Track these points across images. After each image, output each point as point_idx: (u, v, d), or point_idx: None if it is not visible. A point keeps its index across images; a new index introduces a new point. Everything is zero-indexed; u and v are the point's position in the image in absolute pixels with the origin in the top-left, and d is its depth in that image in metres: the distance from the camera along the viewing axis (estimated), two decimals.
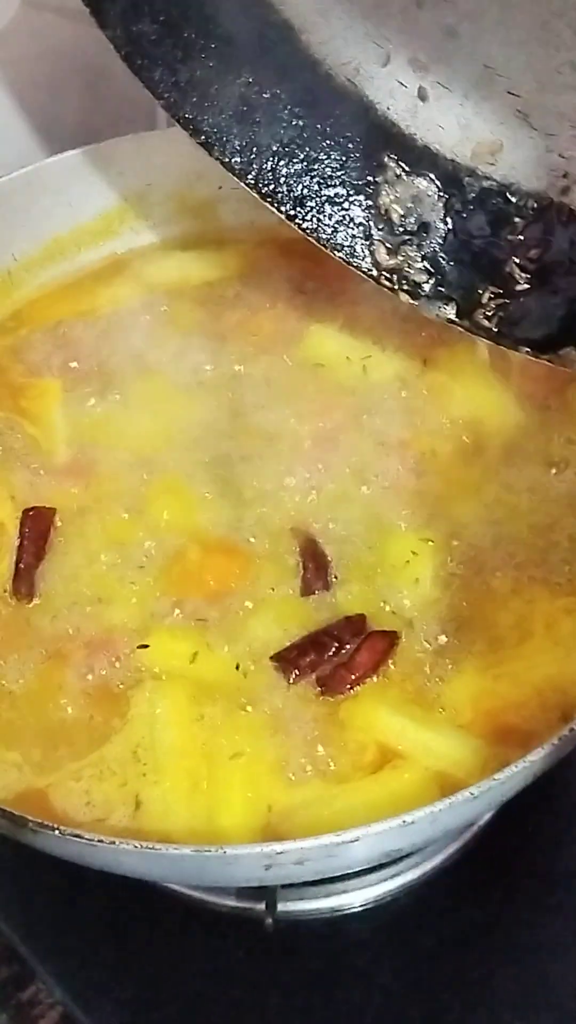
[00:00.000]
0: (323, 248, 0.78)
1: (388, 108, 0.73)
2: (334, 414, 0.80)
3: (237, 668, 0.68)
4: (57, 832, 0.57)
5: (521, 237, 0.72)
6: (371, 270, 0.78)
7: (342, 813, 0.63)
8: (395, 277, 0.77)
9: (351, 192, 0.76)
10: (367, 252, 0.77)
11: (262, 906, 0.74)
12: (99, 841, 0.56)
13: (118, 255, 0.91)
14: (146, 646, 0.69)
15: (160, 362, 0.83)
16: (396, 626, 0.70)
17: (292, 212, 0.78)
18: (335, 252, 0.78)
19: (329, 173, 0.76)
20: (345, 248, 0.78)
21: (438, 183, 0.73)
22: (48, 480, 0.77)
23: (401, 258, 0.76)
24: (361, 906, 0.77)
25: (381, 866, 0.75)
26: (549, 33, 0.63)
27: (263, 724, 0.66)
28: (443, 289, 0.76)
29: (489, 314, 0.74)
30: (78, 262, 0.89)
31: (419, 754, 0.65)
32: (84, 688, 0.68)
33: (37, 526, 0.74)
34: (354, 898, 0.78)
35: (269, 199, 0.77)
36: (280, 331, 0.85)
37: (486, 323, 0.75)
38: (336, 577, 0.72)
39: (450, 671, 0.68)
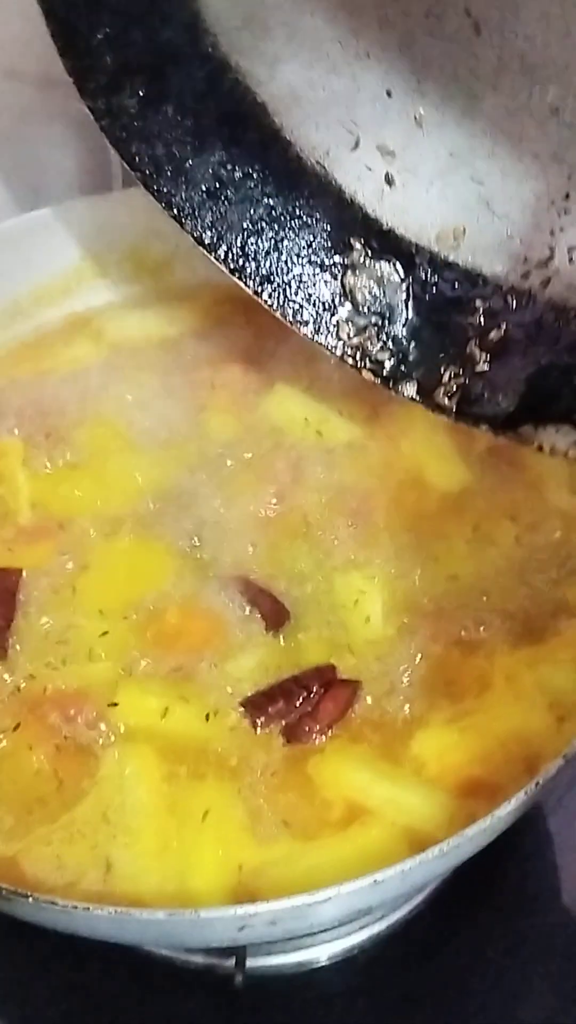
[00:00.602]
0: (288, 324, 0.80)
1: (356, 191, 0.75)
2: (289, 473, 0.81)
3: (207, 719, 0.69)
4: (30, 899, 0.57)
5: (482, 319, 0.74)
6: (335, 347, 0.80)
7: (313, 871, 0.63)
8: (358, 355, 0.78)
9: (317, 272, 0.78)
10: (331, 330, 0.79)
11: (231, 963, 0.74)
12: (73, 907, 0.56)
13: (78, 314, 0.91)
14: (116, 704, 0.70)
15: (121, 420, 0.84)
16: (359, 670, 0.71)
17: (259, 288, 0.80)
18: (300, 328, 0.80)
19: (297, 252, 0.78)
20: (310, 325, 0.79)
21: (402, 266, 0.75)
22: (13, 540, 0.78)
23: (365, 337, 0.77)
24: (329, 960, 0.78)
25: (349, 920, 0.75)
26: (514, 124, 0.65)
27: (232, 781, 0.67)
28: (405, 368, 0.78)
29: (450, 393, 0.76)
30: (38, 321, 0.90)
31: (387, 810, 0.66)
32: (55, 749, 0.68)
33: (3, 585, 0.74)
34: (322, 952, 0.78)
35: (237, 274, 0.78)
36: (240, 390, 0.86)
37: (446, 401, 0.76)
38: (292, 621, 0.73)
39: (415, 725, 0.69)
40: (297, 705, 0.68)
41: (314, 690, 0.69)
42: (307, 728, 0.68)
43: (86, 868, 0.64)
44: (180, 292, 0.92)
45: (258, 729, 0.68)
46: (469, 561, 0.77)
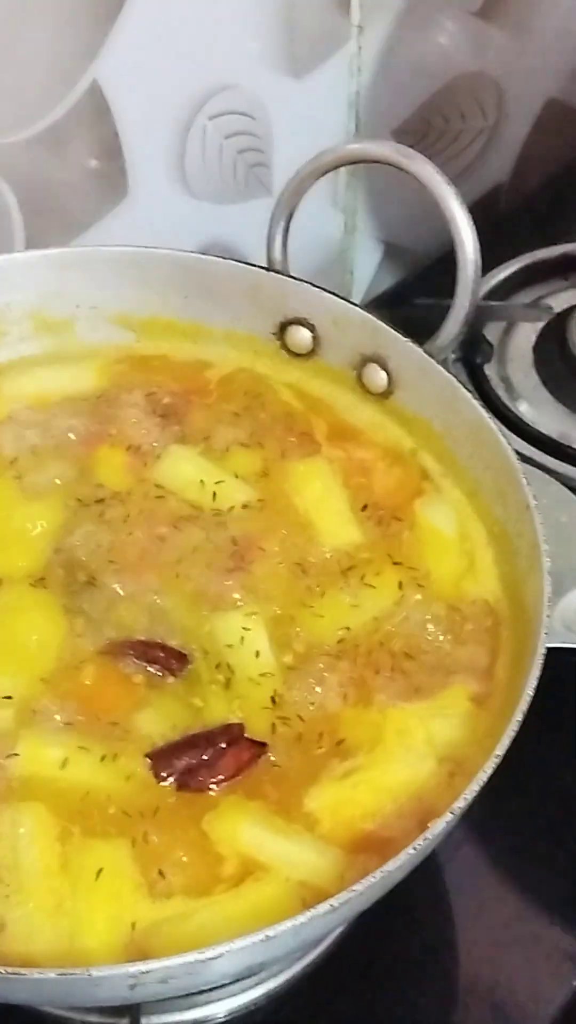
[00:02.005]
0: None
1: None
2: (181, 532, 0.82)
3: (105, 767, 0.69)
4: None
5: None
6: None
7: (205, 927, 0.64)
8: None
9: None
10: None
11: (126, 1021, 0.74)
12: None
13: None
14: (16, 755, 0.70)
15: (17, 479, 0.84)
16: (251, 718, 0.72)
17: None
18: None
19: None
20: None
21: None
22: None
23: None
24: (226, 1016, 0.78)
25: (244, 976, 0.76)
26: None
27: (126, 838, 0.67)
28: None
29: None
30: None
31: (279, 865, 0.66)
32: None
33: None
34: (218, 1008, 0.78)
35: None
36: (137, 448, 0.87)
37: None
38: (187, 667, 0.74)
39: (308, 781, 0.70)
40: (203, 759, 0.69)
41: (220, 745, 0.70)
42: (200, 778, 0.69)
43: None
44: (80, 351, 0.93)
45: (162, 782, 0.69)
46: (356, 612, 0.78)
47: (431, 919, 0.85)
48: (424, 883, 0.85)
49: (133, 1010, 0.73)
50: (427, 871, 0.82)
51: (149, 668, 0.74)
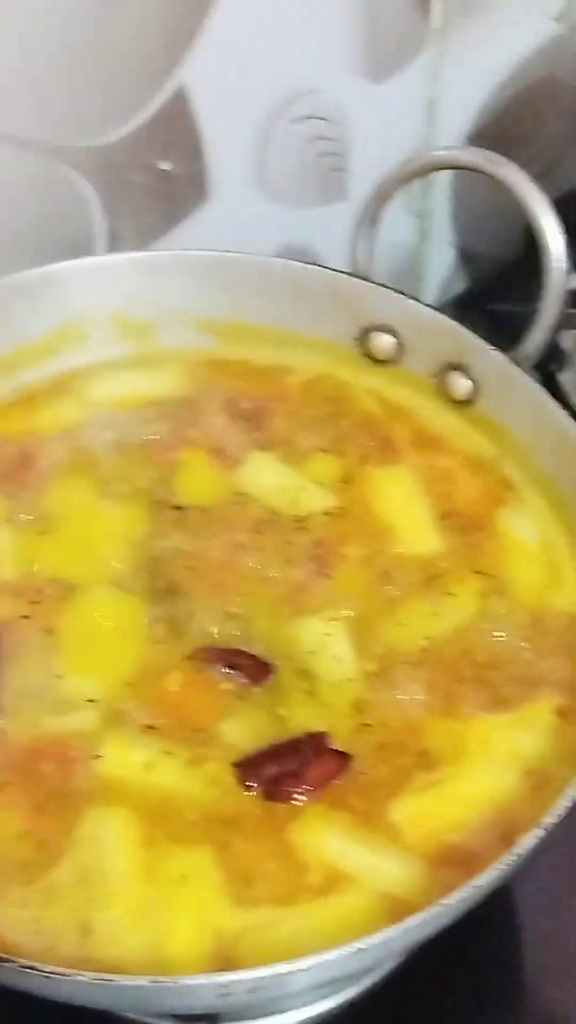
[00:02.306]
0: None
1: None
2: (261, 537, 0.82)
3: (190, 773, 0.69)
4: (12, 965, 0.57)
5: None
6: None
7: (291, 937, 0.63)
8: None
9: None
10: None
11: None
12: (55, 974, 0.56)
13: (61, 373, 0.92)
14: (100, 756, 0.70)
15: (101, 483, 0.84)
16: (336, 727, 0.71)
17: None
18: None
19: None
20: None
21: None
22: None
23: None
24: None
25: (323, 986, 0.75)
26: None
27: (212, 844, 0.67)
28: None
29: None
30: (19, 382, 0.90)
31: (364, 876, 0.66)
32: (36, 805, 0.68)
33: None
34: (294, 1017, 0.78)
35: None
36: (218, 453, 0.86)
37: None
38: (270, 677, 0.74)
39: (393, 791, 0.69)
40: (290, 770, 0.69)
41: (307, 755, 0.69)
42: (287, 788, 0.68)
43: (63, 932, 0.63)
44: (162, 355, 0.93)
45: (248, 791, 0.68)
46: (438, 621, 0.78)
47: (499, 936, 0.84)
48: (493, 898, 0.85)
49: (211, 1018, 0.73)
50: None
51: (235, 677, 0.74)
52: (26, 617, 0.76)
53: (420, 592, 0.79)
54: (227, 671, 0.74)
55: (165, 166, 1.00)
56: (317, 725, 0.72)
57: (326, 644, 0.76)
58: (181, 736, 0.71)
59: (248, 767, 0.69)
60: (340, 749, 0.71)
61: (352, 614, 0.77)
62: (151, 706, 0.72)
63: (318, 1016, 0.78)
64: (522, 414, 0.84)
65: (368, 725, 0.72)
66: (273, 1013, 0.77)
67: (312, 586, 0.79)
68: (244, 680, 0.74)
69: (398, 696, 0.74)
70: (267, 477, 0.85)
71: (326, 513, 0.83)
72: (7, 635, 0.75)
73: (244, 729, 0.72)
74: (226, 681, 0.74)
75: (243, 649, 0.75)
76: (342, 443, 0.88)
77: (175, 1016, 0.77)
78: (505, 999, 0.82)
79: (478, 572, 0.81)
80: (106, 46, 0.90)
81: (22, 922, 0.64)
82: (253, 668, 0.74)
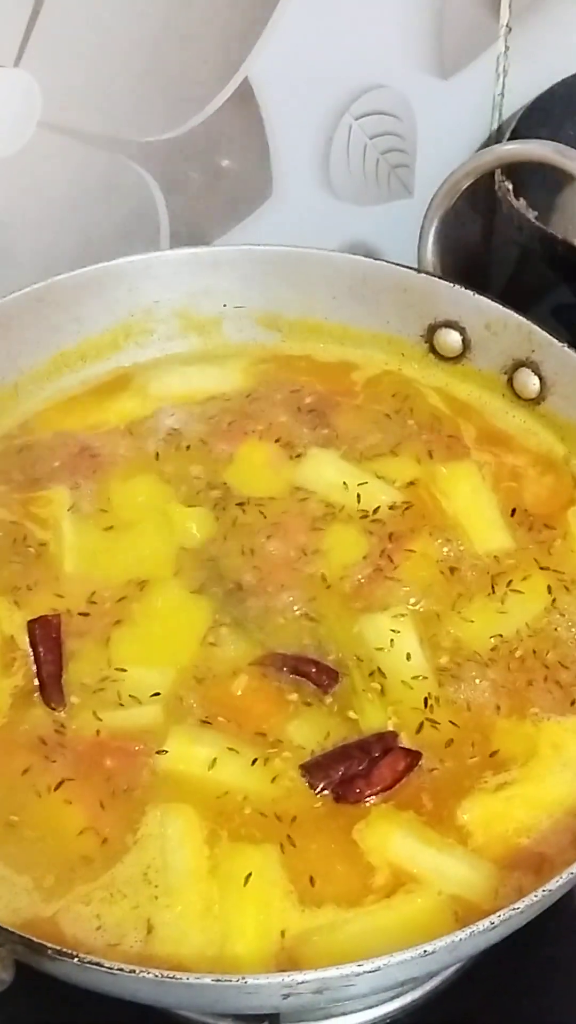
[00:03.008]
0: None
1: None
2: (324, 534, 0.81)
3: (255, 772, 0.68)
4: (76, 960, 0.56)
5: None
6: None
7: (357, 938, 0.62)
8: None
9: None
10: None
11: None
12: (119, 970, 0.56)
13: (124, 368, 0.91)
14: (164, 751, 0.69)
15: (163, 477, 0.84)
16: (405, 725, 0.70)
17: None
18: None
19: None
20: None
21: None
22: (57, 587, 0.78)
23: None
24: None
25: (387, 989, 0.74)
26: None
27: (275, 844, 0.66)
28: None
29: None
30: (83, 375, 0.90)
31: (432, 878, 0.65)
32: (100, 802, 0.67)
33: (47, 633, 0.74)
34: (353, 1020, 0.77)
35: None
36: (283, 448, 0.86)
37: None
38: (338, 684, 0.73)
39: (462, 793, 0.68)
40: (359, 770, 0.68)
41: (374, 755, 0.68)
42: (357, 789, 0.67)
43: (126, 929, 0.63)
44: (225, 350, 0.93)
45: (316, 791, 0.67)
46: (506, 619, 0.77)
47: (562, 941, 0.82)
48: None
49: (273, 1018, 0.72)
50: None
51: (302, 683, 0.72)
52: (85, 615, 0.76)
53: (487, 589, 0.78)
54: (294, 677, 0.73)
55: (230, 162, 0.99)
56: (387, 725, 0.71)
57: (395, 640, 0.74)
58: (246, 736, 0.70)
59: (317, 769, 0.68)
60: (409, 748, 0.69)
61: (420, 611, 0.76)
62: (215, 705, 0.72)
63: (376, 1019, 0.77)
64: None
65: (437, 723, 0.71)
66: (333, 1016, 0.76)
67: (379, 582, 0.78)
68: (311, 687, 0.72)
69: (468, 694, 0.73)
70: (327, 473, 0.84)
71: (392, 508, 0.82)
72: (68, 629, 0.75)
73: (313, 731, 0.70)
74: (293, 691, 0.72)
75: (310, 656, 0.74)
76: (408, 439, 0.87)
77: (236, 1016, 0.76)
78: (568, 1004, 0.80)
79: (545, 569, 0.79)
80: (173, 42, 0.90)
81: (84, 918, 0.63)
82: (320, 675, 0.73)
